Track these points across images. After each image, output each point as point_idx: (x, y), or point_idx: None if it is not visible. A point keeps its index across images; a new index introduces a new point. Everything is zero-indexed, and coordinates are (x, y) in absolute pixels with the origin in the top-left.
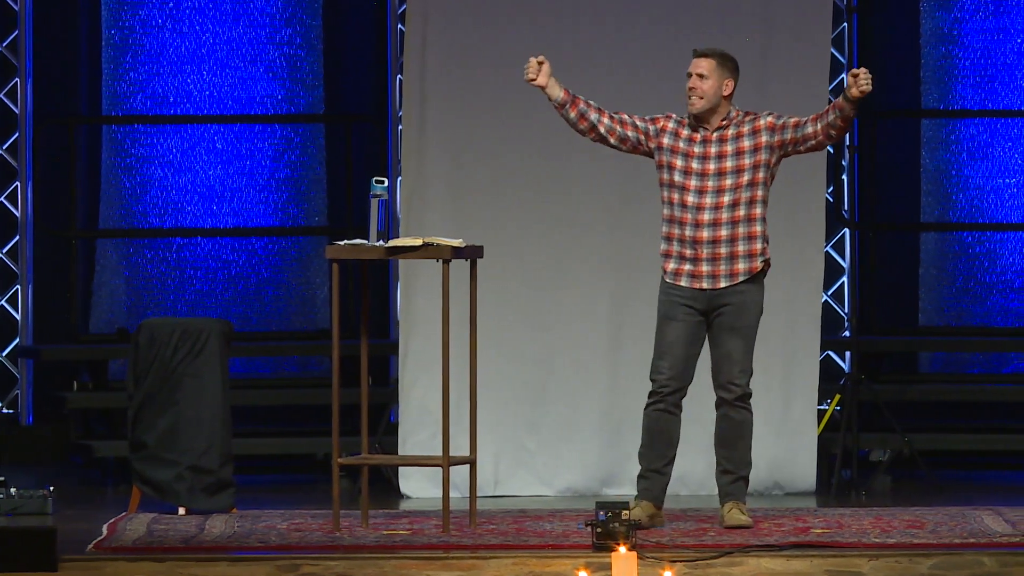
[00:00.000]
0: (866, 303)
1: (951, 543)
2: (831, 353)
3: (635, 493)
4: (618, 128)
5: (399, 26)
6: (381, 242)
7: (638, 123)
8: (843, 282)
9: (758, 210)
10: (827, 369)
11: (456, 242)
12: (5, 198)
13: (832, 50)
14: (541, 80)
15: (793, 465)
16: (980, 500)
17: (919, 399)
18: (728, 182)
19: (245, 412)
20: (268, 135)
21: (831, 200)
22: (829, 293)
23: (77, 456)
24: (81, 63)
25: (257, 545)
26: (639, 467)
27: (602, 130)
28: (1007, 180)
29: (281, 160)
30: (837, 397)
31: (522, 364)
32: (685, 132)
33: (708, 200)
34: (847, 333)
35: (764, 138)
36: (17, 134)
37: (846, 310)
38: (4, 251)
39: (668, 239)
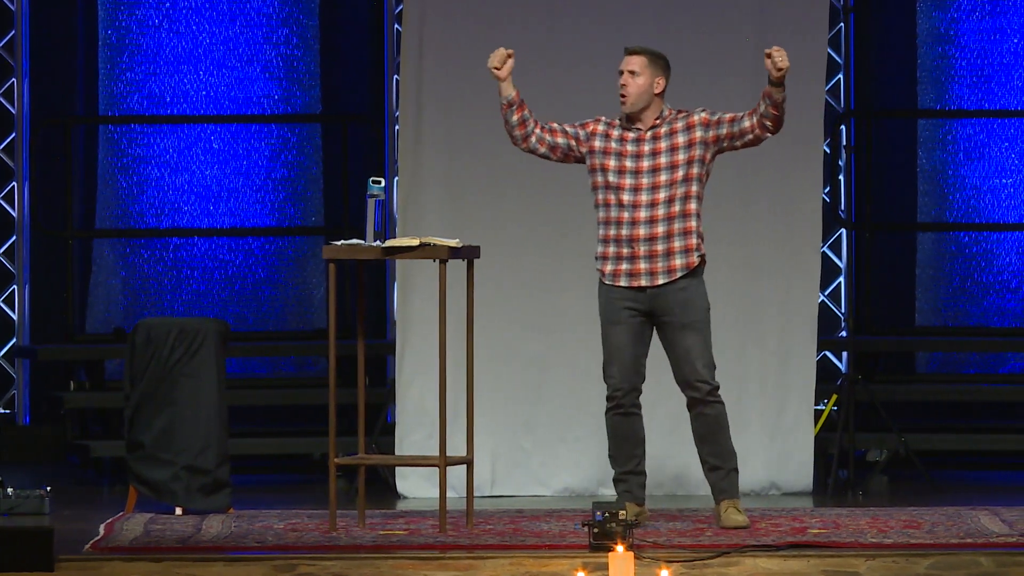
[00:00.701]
0: (863, 303)
1: (948, 543)
2: (828, 353)
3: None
4: (548, 137)
5: (396, 26)
6: (378, 242)
7: (568, 129)
8: (840, 282)
9: (693, 206)
10: (824, 369)
11: (453, 242)
12: (2, 198)
13: (829, 50)
14: (503, 73)
15: (790, 465)
16: (977, 500)
17: (916, 399)
18: (663, 179)
19: (242, 412)
20: (265, 135)
21: (828, 200)
22: (826, 293)
23: (74, 456)
24: (78, 63)
25: (254, 545)
26: (612, 471)
27: (534, 140)
28: (1004, 180)
29: (278, 160)
30: (834, 397)
31: (519, 364)
32: (616, 132)
33: (643, 198)
34: (844, 333)
35: (698, 134)
36: (14, 134)
37: (843, 310)
38: (1, 251)
39: (604, 241)
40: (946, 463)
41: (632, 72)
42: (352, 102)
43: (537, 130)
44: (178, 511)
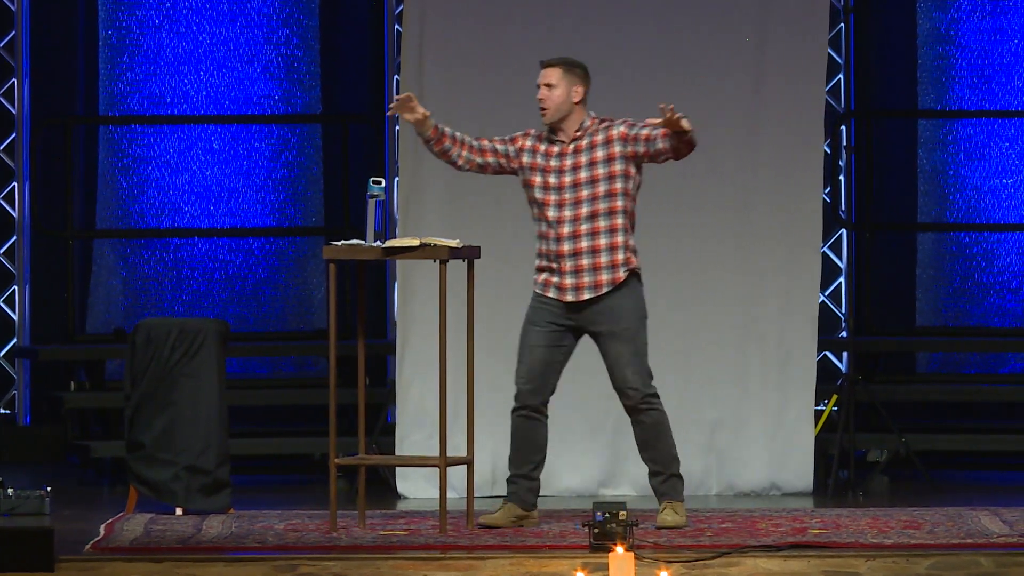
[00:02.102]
0: (863, 303)
1: (948, 543)
2: (828, 353)
3: (632, 493)
4: (477, 159)
5: (396, 26)
6: (378, 242)
7: (498, 147)
8: (840, 282)
9: (619, 220)
10: (824, 369)
11: (453, 242)
12: (2, 198)
13: (829, 50)
14: (408, 118)
15: (790, 465)
16: (977, 500)
17: (916, 399)
18: (584, 193)
19: (242, 412)
20: (265, 135)
21: (828, 200)
22: (826, 293)
23: (74, 456)
24: (78, 63)
25: (254, 545)
26: (508, 472)
27: (462, 163)
28: (1004, 180)
29: (278, 160)
30: (834, 397)
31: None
32: (542, 147)
33: (567, 213)
34: (844, 333)
35: (617, 149)
36: (14, 134)
37: (843, 310)
38: (1, 251)
39: (539, 254)
40: (946, 463)
41: (548, 85)
42: (352, 102)
43: (464, 152)
44: (178, 511)
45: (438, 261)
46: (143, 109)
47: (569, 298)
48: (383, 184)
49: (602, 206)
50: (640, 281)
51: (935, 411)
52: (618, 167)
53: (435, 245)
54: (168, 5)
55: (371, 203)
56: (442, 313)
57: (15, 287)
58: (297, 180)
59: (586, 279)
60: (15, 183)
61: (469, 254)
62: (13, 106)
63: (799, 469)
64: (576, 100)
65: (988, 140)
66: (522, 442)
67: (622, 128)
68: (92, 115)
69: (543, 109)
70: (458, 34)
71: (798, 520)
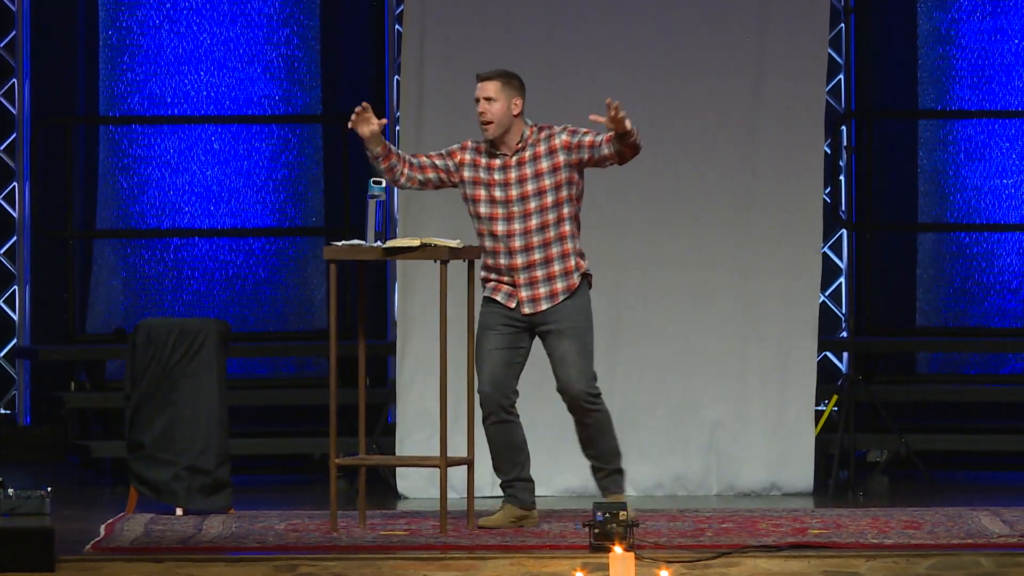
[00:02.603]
0: (863, 304)
1: (948, 544)
2: (829, 354)
3: (633, 493)
4: (417, 175)
5: (396, 27)
6: (379, 243)
7: (437, 163)
8: (840, 283)
9: (567, 228)
10: (825, 369)
11: (454, 243)
12: (3, 198)
13: (829, 50)
14: (363, 131)
15: (790, 466)
16: (977, 501)
17: (916, 400)
18: (532, 205)
19: (242, 412)
20: (265, 135)
21: (828, 201)
22: (826, 294)
23: (74, 456)
24: (79, 63)
25: (254, 545)
26: (498, 479)
27: (404, 180)
28: (1004, 181)
29: (279, 160)
30: (835, 398)
31: None
32: (483, 160)
33: (516, 226)
34: (844, 334)
35: (561, 158)
36: (15, 134)
37: (843, 311)
38: (1, 251)
39: (486, 268)
40: (947, 463)
41: (488, 99)
42: (353, 102)
43: (406, 170)
44: (179, 511)
45: (438, 261)
46: (143, 109)
47: (527, 311)
48: (383, 184)
49: (551, 216)
50: (589, 284)
51: (935, 411)
52: (563, 175)
53: (435, 245)
54: (168, 5)
55: (371, 203)
56: (442, 313)
57: (15, 287)
58: (297, 180)
59: (541, 290)
60: (15, 183)
61: (469, 254)
62: (13, 106)
63: (799, 469)
64: (516, 112)
65: (988, 140)
66: (503, 448)
67: (564, 137)
68: (92, 115)
69: (486, 124)
70: (458, 34)
71: (798, 520)
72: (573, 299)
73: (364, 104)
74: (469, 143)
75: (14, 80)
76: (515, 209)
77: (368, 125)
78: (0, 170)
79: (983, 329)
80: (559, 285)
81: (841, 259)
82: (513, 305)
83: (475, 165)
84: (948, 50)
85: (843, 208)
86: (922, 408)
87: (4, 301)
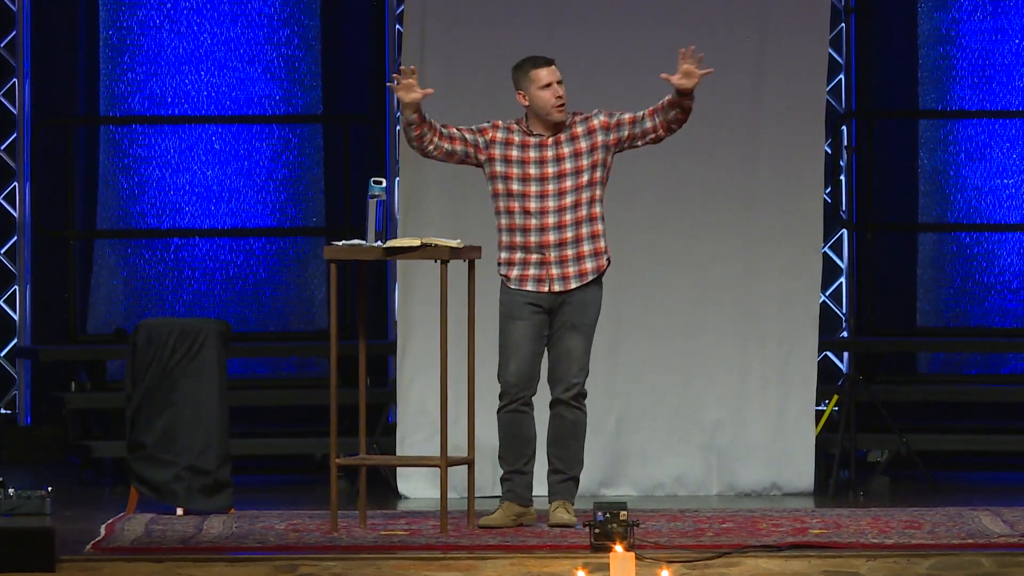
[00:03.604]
0: (864, 304)
1: (949, 544)
2: (829, 354)
3: (633, 493)
4: (445, 145)
5: (397, 26)
6: (379, 243)
7: (467, 136)
8: (841, 283)
9: (598, 209)
10: (825, 370)
11: (454, 243)
12: (3, 198)
13: (830, 50)
14: (404, 96)
15: (791, 465)
16: (978, 501)
17: (917, 400)
18: (568, 184)
19: (243, 413)
20: (266, 135)
21: (829, 201)
22: (827, 294)
23: (75, 456)
24: (79, 63)
25: (255, 546)
26: (501, 470)
27: (431, 148)
28: (1005, 181)
29: (279, 160)
30: (835, 398)
31: None
32: (517, 139)
33: (551, 204)
34: (845, 334)
35: (600, 138)
36: (15, 134)
37: (844, 311)
38: (2, 251)
39: (511, 248)
40: (947, 463)
41: (560, 81)
42: (353, 102)
43: (435, 139)
44: (179, 511)
45: (439, 261)
46: (144, 109)
47: (557, 288)
48: (384, 184)
49: (585, 195)
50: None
51: (936, 411)
52: (599, 156)
53: (436, 245)
54: (169, 5)
55: (372, 203)
56: (443, 313)
57: (16, 287)
58: (298, 180)
59: (571, 269)
60: (16, 183)
61: (470, 254)
62: (14, 106)
63: (800, 469)
64: None
65: (989, 140)
66: (514, 438)
67: (603, 117)
68: (93, 115)
69: (563, 105)
70: (458, 34)
71: (799, 520)
72: (593, 292)
73: (412, 68)
74: (500, 123)
75: (14, 80)
76: (550, 187)
77: (411, 92)
78: (0, 170)
79: (984, 329)
80: (588, 265)
81: (841, 259)
82: (545, 289)
83: (507, 143)
84: (949, 50)
85: (843, 208)
86: (923, 408)
87: (4, 301)
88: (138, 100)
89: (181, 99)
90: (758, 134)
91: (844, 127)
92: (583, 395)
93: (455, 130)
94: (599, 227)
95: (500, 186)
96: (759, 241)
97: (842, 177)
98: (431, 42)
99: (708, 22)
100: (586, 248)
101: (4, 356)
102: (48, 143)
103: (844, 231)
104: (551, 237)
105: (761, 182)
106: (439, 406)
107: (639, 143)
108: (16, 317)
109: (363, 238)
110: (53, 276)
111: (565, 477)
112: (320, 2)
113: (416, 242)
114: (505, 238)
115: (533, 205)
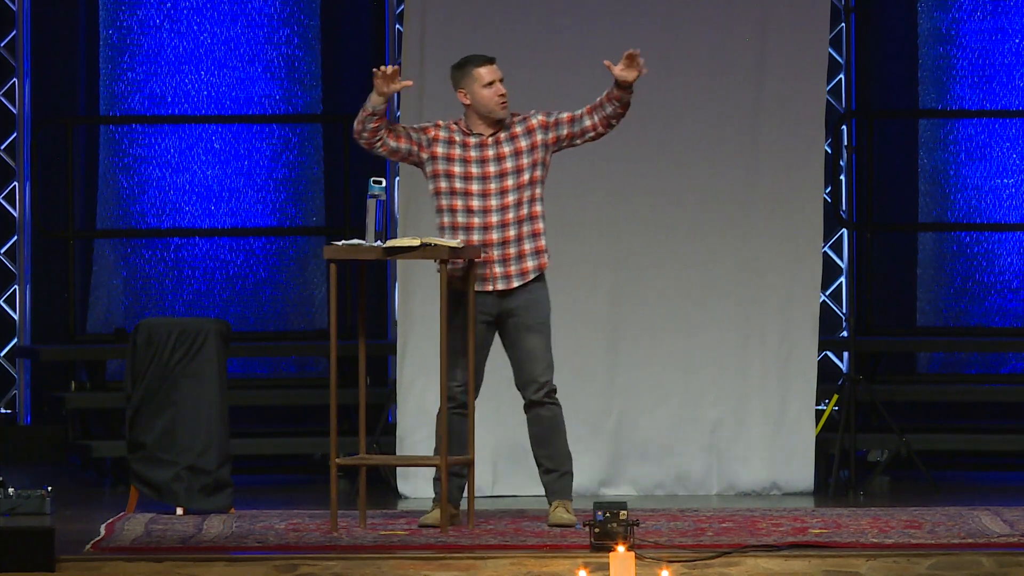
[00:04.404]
0: (864, 303)
1: (949, 543)
2: (829, 353)
3: (633, 493)
4: (391, 142)
5: (397, 26)
6: (379, 242)
7: (411, 134)
8: (841, 282)
9: (538, 208)
10: (825, 369)
11: (454, 243)
12: (3, 198)
13: (830, 50)
14: (385, 88)
15: (791, 465)
16: (978, 500)
17: (917, 399)
18: (509, 183)
19: (243, 412)
20: (266, 135)
21: (829, 200)
22: (827, 293)
23: (75, 456)
24: (79, 63)
25: (255, 545)
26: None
27: (378, 144)
28: (1005, 180)
29: (279, 160)
30: (835, 397)
31: None
32: (458, 138)
33: (493, 203)
34: (845, 333)
35: (539, 137)
36: (15, 134)
37: (844, 310)
38: (2, 251)
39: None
40: (947, 463)
41: (502, 80)
42: (353, 102)
43: (384, 135)
44: (179, 511)
45: (439, 261)
46: (144, 109)
47: (500, 286)
48: (384, 184)
49: (526, 194)
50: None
51: (936, 411)
52: (539, 155)
53: (436, 245)
54: (169, 5)
55: (372, 203)
56: (443, 313)
57: (16, 287)
58: (298, 180)
59: (513, 268)
60: (15, 183)
61: (469, 254)
62: (14, 106)
63: (800, 469)
64: None
65: (989, 140)
66: (455, 440)
67: (540, 117)
68: (93, 115)
69: (506, 102)
70: (459, 34)
71: (799, 520)
72: (539, 290)
73: (398, 67)
74: (441, 122)
75: (14, 80)
76: (492, 186)
77: (392, 83)
78: (0, 170)
79: (984, 329)
80: (529, 263)
81: (841, 259)
82: (489, 288)
83: (450, 142)
84: (949, 50)
85: (844, 208)
86: (923, 408)
87: (4, 301)
88: (138, 100)
89: (181, 99)
90: (758, 134)
91: (844, 127)
92: (554, 390)
93: (401, 128)
94: (539, 226)
95: (443, 184)
96: (759, 241)
97: (842, 177)
98: (431, 42)
99: (709, 22)
100: (527, 247)
101: (4, 356)
102: (48, 143)
103: (844, 231)
104: (494, 236)
105: (761, 182)
106: (439, 406)
107: (578, 141)
108: (16, 317)
109: (363, 238)
110: (53, 276)
111: (559, 474)
112: (320, 2)
113: (416, 242)
114: (448, 237)
115: (476, 204)
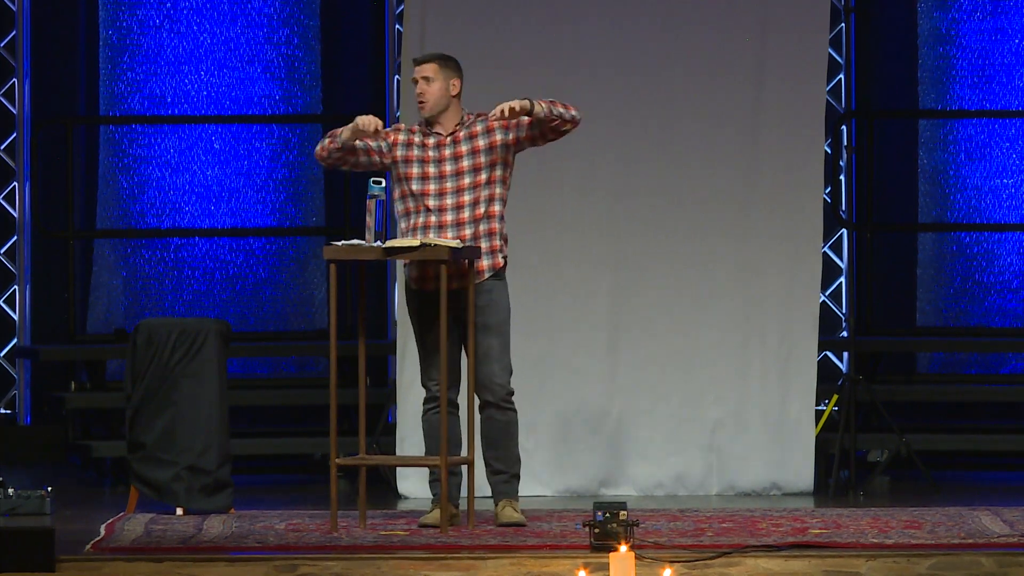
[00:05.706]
0: (864, 303)
1: (949, 543)
2: (829, 353)
3: (633, 493)
4: (350, 158)
5: (397, 26)
6: (379, 243)
7: (370, 144)
8: (841, 282)
9: (497, 208)
10: (825, 369)
11: (454, 243)
12: (3, 198)
13: (830, 50)
14: (364, 135)
15: (791, 465)
16: (978, 500)
17: (917, 399)
18: (466, 181)
19: (243, 412)
20: (266, 135)
21: (829, 200)
22: (827, 293)
23: (75, 456)
24: (79, 63)
25: (255, 545)
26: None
27: (337, 163)
28: (1005, 180)
29: (279, 160)
30: (835, 397)
31: (519, 365)
32: (418, 139)
33: (449, 201)
34: (845, 333)
35: (498, 137)
36: (15, 134)
37: (844, 310)
38: (2, 251)
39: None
40: (947, 463)
41: (426, 79)
42: (353, 102)
43: (344, 155)
44: (179, 511)
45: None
46: (144, 109)
47: (454, 284)
48: (383, 184)
49: (483, 193)
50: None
51: (936, 411)
52: (499, 154)
53: (435, 245)
54: (169, 5)
55: (371, 203)
56: (443, 313)
57: (15, 287)
58: (298, 180)
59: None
60: (15, 183)
61: (469, 254)
62: (13, 106)
63: (800, 469)
64: (454, 93)
65: (989, 140)
66: (440, 439)
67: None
68: (93, 115)
69: (422, 103)
70: (458, 34)
71: (799, 520)
72: (498, 291)
73: (386, 130)
74: (403, 125)
75: (14, 80)
76: (448, 185)
77: (372, 133)
78: (0, 170)
79: (983, 329)
80: (484, 263)
81: (841, 259)
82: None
83: (409, 144)
84: (948, 50)
85: (843, 208)
86: (922, 408)
87: (4, 301)
88: (138, 100)
89: (181, 99)
90: (758, 134)
91: (844, 127)
92: (511, 393)
93: (358, 143)
94: (496, 225)
95: (404, 187)
96: (759, 241)
97: (842, 177)
98: (431, 42)
99: (709, 22)
100: (483, 245)
101: (4, 356)
102: (48, 143)
103: (844, 231)
104: (449, 234)
105: (761, 182)
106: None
107: (540, 142)
108: (16, 317)
109: (363, 238)
110: (53, 276)
111: (508, 476)
112: (320, 2)
113: (416, 242)
114: (405, 238)
115: (432, 203)
